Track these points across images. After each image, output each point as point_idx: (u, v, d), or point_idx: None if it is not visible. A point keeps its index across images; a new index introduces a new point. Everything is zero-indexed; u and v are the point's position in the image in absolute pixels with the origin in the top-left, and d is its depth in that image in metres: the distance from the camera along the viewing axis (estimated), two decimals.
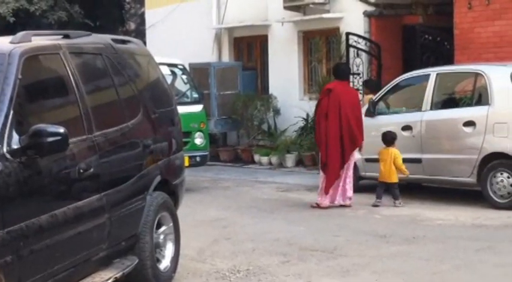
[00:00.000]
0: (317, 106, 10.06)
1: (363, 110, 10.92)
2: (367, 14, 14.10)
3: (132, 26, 23.61)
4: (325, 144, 9.72)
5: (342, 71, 10.34)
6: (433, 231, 8.24)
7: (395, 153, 9.83)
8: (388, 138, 9.93)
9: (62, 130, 4.56)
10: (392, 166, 9.82)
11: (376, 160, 10.54)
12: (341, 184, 9.77)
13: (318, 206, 9.78)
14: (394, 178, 9.84)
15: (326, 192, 9.75)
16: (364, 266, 6.78)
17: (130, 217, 5.72)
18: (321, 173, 9.92)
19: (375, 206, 9.76)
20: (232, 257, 7.21)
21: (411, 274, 6.48)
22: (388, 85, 11.09)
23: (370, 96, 11.38)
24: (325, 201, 9.76)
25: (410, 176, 9.92)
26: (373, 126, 10.72)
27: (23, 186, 4.41)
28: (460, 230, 8.29)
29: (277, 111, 15.44)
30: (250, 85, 16.23)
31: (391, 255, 7.20)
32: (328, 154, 9.68)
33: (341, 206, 9.77)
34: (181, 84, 12.75)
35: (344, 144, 9.69)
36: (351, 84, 13.28)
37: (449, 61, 12.61)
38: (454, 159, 9.79)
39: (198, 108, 12.41)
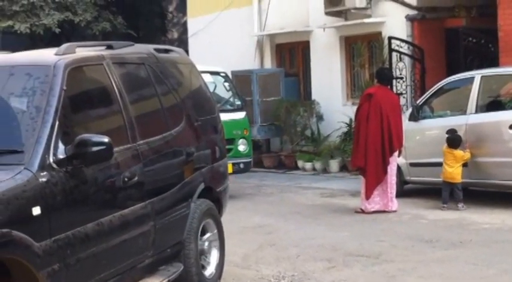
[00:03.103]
0: (357, 110, 10.02)
1: (407, 114, 10.89)
2: (409, 18, 14.00)
3: (174, 35, 23.82)
4: (364, 148, 9.68)
5: (385, 76, 10.30)
6: (480, 235, 8.15)
7: (463, 155, 9.72)
8: (456, 142, 9.79)
9: (106, 139, 4.63)
10: (459, 167, 9.72)
11: (421, 164, 10.48)
12: (389, 190, 9.71)
13: (363, 211, 9.74)
14: (459, 178, 9.74)
15: (368, 197, 9.71)
16: (410, 271, 6.73)
17: (175, 224, 5.77)
18: (362, 178, 9.89)
19: (442, 210, 9.68)
20: (277, 263, 7.23)
21: (457, 279, 6.42)
22: (432, 89, 11.00)
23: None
24: (369, 206, 9.72)
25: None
26: (418, 131, 10.66)
27: (69, 196, 4.49)
28: (507, 234, 8.18)
29: (320, 117, 15.41)
30: (293, 91, 16.24)
31: (437, 260, 7.14)
32: (367, 158, 9.65)
33: (385, 211, 9.70)
34: (223, 92, 12.81)
35: (384, 148, 9.64)
36: (394, 88, 13.24)
37: (494, 63, 12.45)
38: (500, 162, 9.66)
39: (241, 115, 12.46)
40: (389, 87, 10.74)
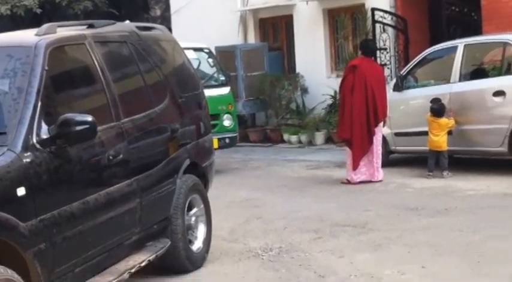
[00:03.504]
0: (342, 82, 10.05)
1: (391, 84, 10.93)
2: None
3: (157, 12, 23.64)
4: (350, 120, 9.72)
5: (369, 47, 10.33)
6: (465, 202, 8.23)
7: (447, 123, 9.77)
8: (440, 110, 9.83)
9: (90, 118, 4.64)
10: (445, 135, 9.78)
11: (405, 134, 10.54)
12: (375, 160, 9.77)
13: (349, 182, 9.81)
14: (445, 146, 9.81)
15: (355, 168, 9.77)
16: (396, 240, 6.81)
17: (161, 200, 5.81)
18: (348, 149, 9.94)
19: (427, 178, 9.75)
20: (264, 236, 7.28)
21: (444, 246, 6.49)
22: (416, 58, 11.03)
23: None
24: (355, 177, 9.78)
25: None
26: (402, 101, 10.70)
27: (53, 175, 4.51)
28: (492, 200, 8.26)
29: (304, 90, 15.43)
30: (277, 65, 16.23)
31: (423, 227, 7.22)
32: (353, 129, 9.70)
33: (371, 181, 9.77)
34: (207, 68, 12.80)
35: (369, 119, 9.69)
36: (378, 59, 13.26)
37: (477, 32, 12.49)
38: (484, 130, 9.73)
39: (225, 90, 12.47)
40: (373, 58, 10.76)
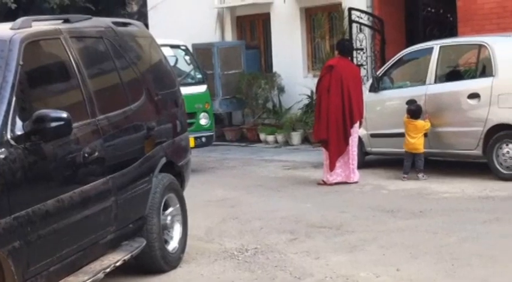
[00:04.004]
0: (318, 82, 10.04)
1: (367, 85, 10.94)
2: None
3: (134, 8, 23.52)
4: (326, 121, 9.71)
5: (345, 47, 10.31)
6: (440, 205, 8.26)
7: (424, 125, 9.79)
8: (417, 112, 9.84)
9: (65, 115, 4.57)
10: (421, 137, 9.80)
11: (381, 135, 10.55)
12: (350, 161, 9.77)
13: (325, 183, 9.80)
14: (422, 148, 9.82)
15: (331, 169, 9.76)
16: (371, 241, 6.81)
17: (136, 199, 5.75)
18: (324, 150, 9.93)
19: (403, 180, 9.77)
20: (240, 236, 7.25)
21: (418, 247, 6.50)
22: (392, 59, 11.05)
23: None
24: (331, 178, 9.77)
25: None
26: (378, 102, 10.72)
27: (28, 172, 4.43)
28: (467, 203, 8.30)
29: (281, 89, 15.42)
30: (254, 64, 16.20)
31: (398, 229, 7.22)
32: (329, 130, 9.69)
33: (346, 182, 9.77)
34: (184, 65, 12.73)
35: (345, 120, 9.69)
36: (354, 60, 13.28)
37: (453, 33, 12.56)
38: (459, 132, 9.77)
39: (202, 88, 12.40)
40: (350, 58, 10.74)
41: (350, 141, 9.77)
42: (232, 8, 16.69)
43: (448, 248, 6.44)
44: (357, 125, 9.87)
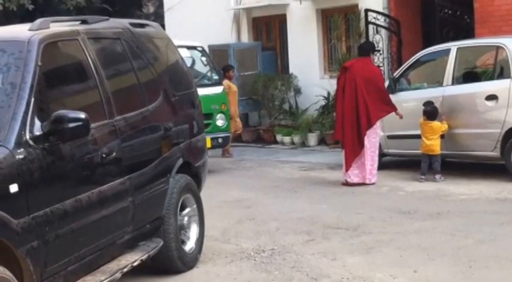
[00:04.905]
0: (336, 83, 10.10)
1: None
2: None
3: (150, 9, 23.58)
4: (341, 122, 9.74)
5: (362, 48, 10.35)
6: (457, 206, 8.22)
7: (440, 126, 9.75)
8: (433, 114, 9.80)
9: (83, 115, 4.59)
10: (438, 139, 9.77)
11: (398, 137, 10.52)
12: (367, 162, 9.74)
13: (347, 184, 9.78)
14: (438, 150, 9.79)
15: (346, 169, 9.77)
16: (388, 243, 6.79)
17: (153, 200, 5.77)
18: (343, 151, 9.94)
19: (420, 181, 9.73)
20: (257, 237, 7.25)
21: (435, 249, 6.48)
22: (409, 61, 11.02)
23: None
24: (349, 179, 9.76)
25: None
26: (395, 103, 10.66)
27: (46, 172, 4.46)
28: (484, 204, 8.26)
29: (297, 91, 15.41)
30: (270, 65, 16.20)
31: (415, 231, 7.20)
32: (345, 131, 9.71)
33: (364, 184, 9.75)
34: (201, 66, 12.75)
35: (360, 122, 9.67)
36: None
37: (470, 35, 12.49)
38: (476, 134, 9.73)
39: (218, 89, 12.42)
40: (371, 59, 10.53)
41: (367, 143, 9.74)
42: (249, 9, 16.70)
43: (465, 250, 6.41)
44: (377, 125, 9.82)
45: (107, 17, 6.16)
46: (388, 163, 10.92)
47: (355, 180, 9.77)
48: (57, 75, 5.06)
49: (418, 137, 9.95)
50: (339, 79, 9.99)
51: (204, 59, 12.81)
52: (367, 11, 13.70)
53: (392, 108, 9.91)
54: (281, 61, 16.55)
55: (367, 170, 9.77)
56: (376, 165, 9.84)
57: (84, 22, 5.67)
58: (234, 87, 13.51)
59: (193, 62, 12.34)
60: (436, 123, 9.79)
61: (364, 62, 10.06)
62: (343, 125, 9.75)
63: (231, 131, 12.58)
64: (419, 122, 9.90)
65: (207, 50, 13.78)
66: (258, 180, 10.90)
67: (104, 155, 5.06)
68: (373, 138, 9.83)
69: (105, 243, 5.07)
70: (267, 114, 15.81)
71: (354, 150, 9.74)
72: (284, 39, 16.32)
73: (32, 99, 4.53)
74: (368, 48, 10.41)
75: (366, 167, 9.76)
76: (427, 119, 9.84)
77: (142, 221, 5.62)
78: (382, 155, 10.76)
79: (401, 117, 9.98)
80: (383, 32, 13.86)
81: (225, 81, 13.08)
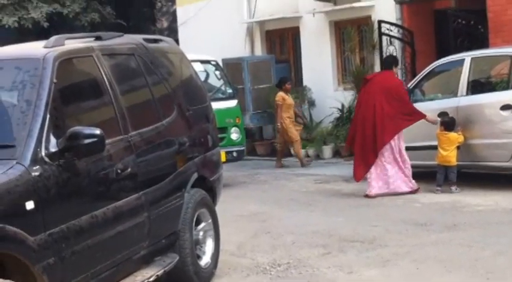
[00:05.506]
0: (358, 96, 10.21)
1: None
2: (398, 1, 13.97)
3: (164, 24, 23.72)
4: (354, 131, 9.97)
5: (385, 62, 10.57)
6: (474, 217, 8.18)
7: (457, 137, 9.72)
8: (451, 124, 9.79)
9: (98, 132, 4.61)
10: (454, 150, 9.73)
11: (413, 148, 10.47)
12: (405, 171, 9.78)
13: (368, 196, 9.77)
14: (454, 161, 9.76)
15: (356, 179, 9.93)
16: (404, 255, 6.75)
17: (169, 215, 5.77)
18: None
19: (435, 193, 9.71)
20: (272, 251, 7.23)
21: (452, 261, 6.44)
22: (423, 72, 11.00)
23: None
24: (367, 190, 9.76)
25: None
26: None
27: (62, 189, 4.48)
28: (501, 215, 8.21)
29: (312, 103, 15.41)
30: None
31: (431, 243, 7.16)
32: (355, 140, 9.89)
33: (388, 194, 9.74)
34: (215, 80, 12.78)
35: (376, 132, 9.69)
36: None
37: (484, 45, 12.46)
38: (492, 144, 9.68)
39: (232, 103, 12.44)
40: (395, 72, 10.56)
41: (397, 151, 9.74)
42: (262, 22, 16.75)
43: (483, 262, 6.37)
44: (399, 136, 9.81)
45: (121, 33, 6.20)
46: None
47: (373, 191, 9.74)
48: (72, 91, 5.09)
49: (433, 148, 9.92)
50: (359, 91, 10.08)
51: (218, 72, 12.85)
52: (380, 22, 13.69)
53: (419, 115, 9.90)
54: (295, 73, 16.56)
55: (404, 178, 9.76)
56: (410, 173, 9.83)
57: (98, 38, 5.71)
58: (289, 100, 13.47)
59: (207, 75, 12.38)
60: (453, 134, 9.75)
61: (386, 75, 10.14)
62: (355, 132, 9.91)
63: (295, 140, 12.91)
64: (435, 133, 9.87)
65: (220, 63, 13.82)
66: (273, 193, 10.89)
67: (119, 171, 5.08)
68: (400, 146, 9.82)
69: (121, 259, 5.08)
70: None
71: (365, 160, 9.83)
72: (297, 52, 16.34)
73: (48, 116, 4.56)
74: (391, 62, 10.46)
75: (405, 174, 9.76)
76: (445, 129, 9.80)
77: (158, 236, 5.63)
78: None
79: (434, 122, 9.92)
80: (396, 43, 13.84)
81: (279, 94, 13.10)
